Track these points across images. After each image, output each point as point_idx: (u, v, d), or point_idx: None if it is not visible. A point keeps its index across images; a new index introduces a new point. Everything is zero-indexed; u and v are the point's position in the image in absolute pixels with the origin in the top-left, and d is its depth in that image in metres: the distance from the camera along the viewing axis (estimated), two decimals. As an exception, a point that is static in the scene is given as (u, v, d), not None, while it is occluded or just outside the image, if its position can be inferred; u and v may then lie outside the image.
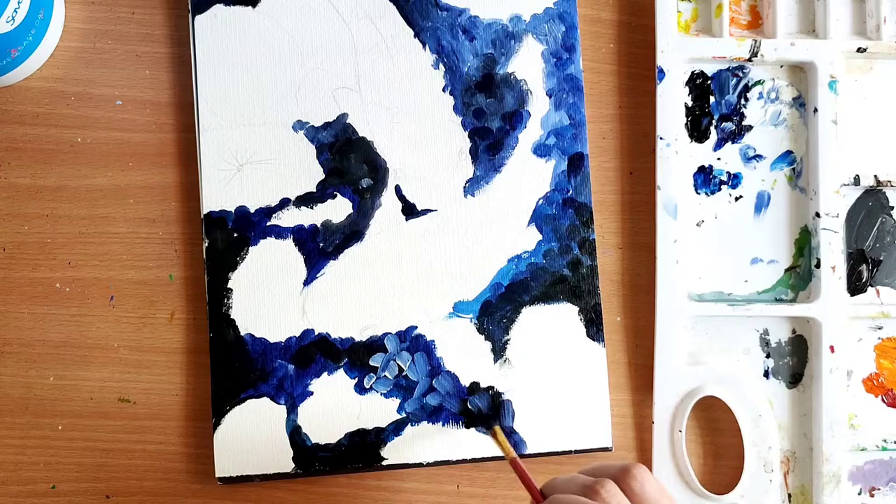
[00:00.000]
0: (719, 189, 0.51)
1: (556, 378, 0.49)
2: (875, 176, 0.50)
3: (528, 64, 0.51)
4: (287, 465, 0.48)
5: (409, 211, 0.50)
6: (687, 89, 0.51)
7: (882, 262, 0.51)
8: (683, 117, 0.51)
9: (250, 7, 0.50)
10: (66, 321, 0.49)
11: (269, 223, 0.49)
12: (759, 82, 0.51)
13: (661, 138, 0.50)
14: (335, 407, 0.48)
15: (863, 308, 0.50)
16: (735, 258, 0.51)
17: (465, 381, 0.49)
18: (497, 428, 0.47)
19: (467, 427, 0.49)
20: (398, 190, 0.50)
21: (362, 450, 0.48)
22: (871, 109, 0.51)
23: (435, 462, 0.48)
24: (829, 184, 0.50)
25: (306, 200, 0.49)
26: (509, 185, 0.50)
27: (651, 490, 0.37)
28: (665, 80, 0.50)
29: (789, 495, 0.50)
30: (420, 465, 0.48)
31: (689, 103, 0.51)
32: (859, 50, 0.50)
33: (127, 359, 0.49)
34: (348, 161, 0.50)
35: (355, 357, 0.49)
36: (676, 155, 0.50)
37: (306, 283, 0.49)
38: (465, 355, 0.49)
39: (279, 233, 0.49)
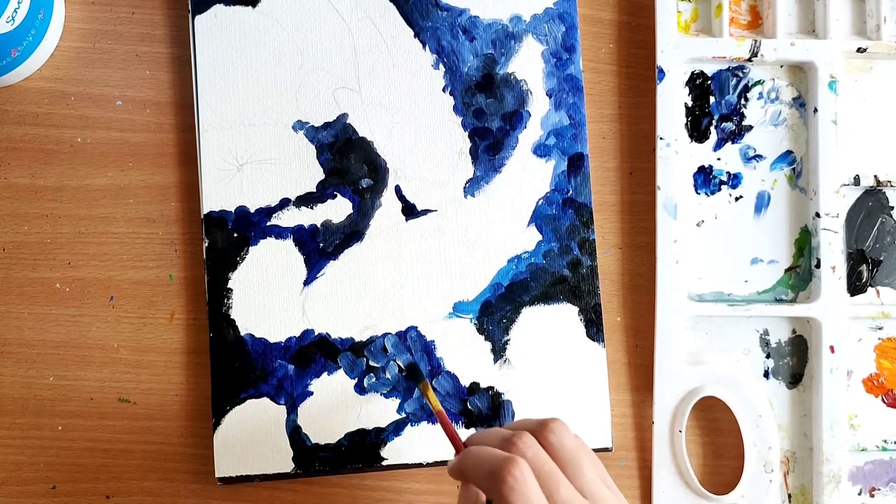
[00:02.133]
0: (719, 189, 0.51)
1: (556, 378, 0.49)
2: (875, 176, 0.50)
3: (528, 64, 0.51)
4: (287, 465, 0.48)
5: (409, 211, 0.50)
6: (687, 89, 0.51)
7: (882, 262, 0.51)
8: (683, 117, 0.51)
9: (250, 7, 0.50)
10: (66, 321, 0.49)
11: (269, 223, 0.49)
12: (759, 82, 0.51)
13: (661, 138, 0.50)
14: (335, 407, 0.48)
15: (863, 308, 0.50)
16: (735, 258, 0.51)
17: (465, 382, 0.49)
18: (426, 382, 0.46)
19: (468, 427, 0.49)
20: (398, 190, 0.50)
21: (362, 450, 0.48)
22: (871, 109, 0.51)
23: (435, 462, 0.48)
24: (829, 184, 0.50)
25: (306, 200, 0.49)
26: (509, 186, 0.50)
27: (568, 442, 0.37)
28: (665, 80, 0.50)
29: (789, 495, 0.50)
30: (420, 465, 0.48)
31: (689, 103, 0.51)
32: (859, 50, 0.50)
33: (127, 359, 0.49)
34: (348, 161, 0.50)
35: (355, 357, 0.49)
36: (676, 155, 0.50)
37: (306, 283, 0.49)
38: (464, 355, 0.49)
39: (279, 233, 0.49)
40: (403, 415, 0.49)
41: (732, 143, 0.51)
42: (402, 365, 0.49)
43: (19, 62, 0.48)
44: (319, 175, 0.50)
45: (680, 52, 0.50)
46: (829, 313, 0.49)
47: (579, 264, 0.50)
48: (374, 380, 0.49)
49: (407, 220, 0.50)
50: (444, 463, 0.48)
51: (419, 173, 0.50)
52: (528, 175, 0.50)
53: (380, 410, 0.48)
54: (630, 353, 0.50)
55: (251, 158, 0.49)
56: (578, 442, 0.38)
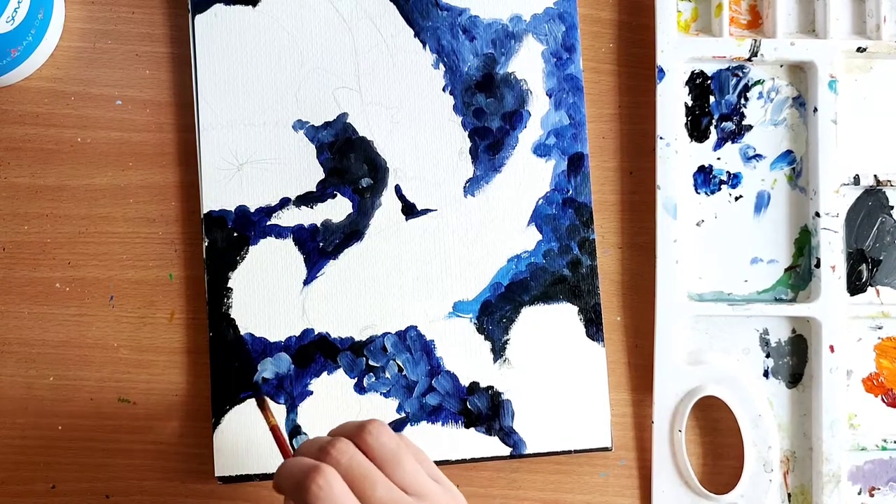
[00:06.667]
0: (719, 189, 0.51)
1: (555, 378, 0.49)
2: (875, 176, 0.50)
3: (528, 64, 0.50)
4: (287, 465, 0.48)
5: (409, 211, 0.50)
6: (687, 89, 0.51)
7: (882, 261, 0.51)
8: (683, 117, 0.51)
9: (250, 7, 0.50)
10: (66, 321, 0.49)
11: (269, 223, 0.49)
12: (758, 82, 0.51)
13: (661, 138, 0.50)
14: (335, 406, 0.48)
15: (863, 308, 0.50)
16: (735, 258, 0.51)
17: (465, 381, 0.49)
18: (264, 398, 0.46)
19: (467, 427, 0.49)
20: (398, 190, 0.50)
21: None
22: (871, 109, 0.51)
23: (434, 462, 0.48)
24: (829, 183, 0.50)
25: (306, 200, 0.49)
26: (509, 185, 0.50)
27: (387, 441, 0.37)
28: (665, 80, 0.50)
29: (789, 495, 0.50)
30: (420, 464, 0.48)
31: (689, 103, 0.51)
32: (859, 50, 0.50)
33: (127, 359, 0.49)
34: (348, 161, 0.50)
35: (355, 356, 0.49)
36: (676, 155, 0.50)
37: (306, 282, 0.49)
38: (464, 355, 0.49)
39: (279, 232, 0.49)
40: (403, 415, 0.49)
41: (732, 142, 0.51)
42: (400, 364, 0.49)
43: (19, 62, 0.48)
44: (319, 174, 0.50)
45: (680, 52, 0.50)
46: (829, 313, 0.49)
47: (579, 264, 0.50)
48: (373, 379, 0.49)
49: (407, 219, 0.50)
50: (444, 462, 0.48)
51: (419, 173, 0.50)
52: (528, 175, 0.50)
53: (379, 410, 0.48)
54: (630, 352, 0.50)
55: (251, 158, 0.49)
56: (398, 439, 0.38)
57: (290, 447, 0.41)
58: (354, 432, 0.37)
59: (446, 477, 0.39)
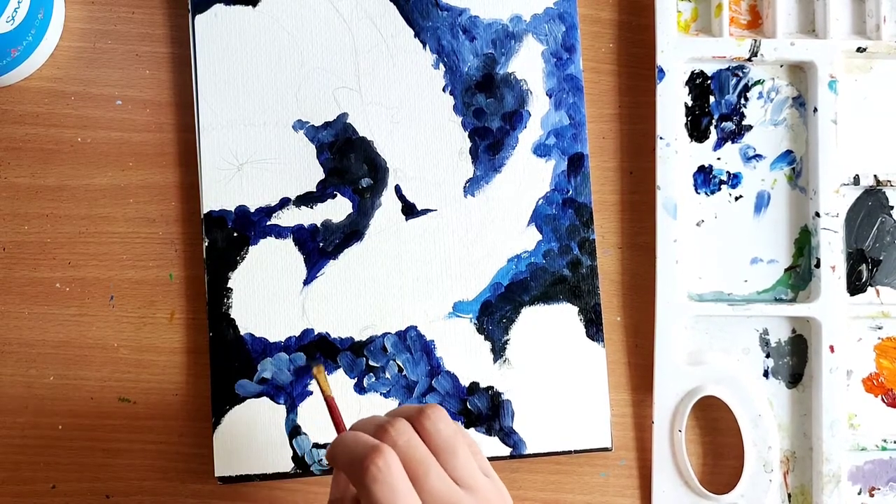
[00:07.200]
0: (719, 189, 0.51)
1: (555, 378, 0.49)
2: (875, 176, 0.50)
3: (528, 64, 0.51)
4: (287, 465, 0.48)
5: (409, 211, 0.50)
6: (687, 89, 0.51)
7: (882, 261, 0.51)
8: (683, 117, 0.51)
9: (250, 7, 0.50)
10: (66, 321, 0.49)
11: (269, 223, 0.49)
12: (758, 82, 0.51)
13: (660, 138, 0.50)
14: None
15: (863, 308, 0.50)
16: (735, 258, 0.51)
17: (465, 382, 0.49)
18: (320, 366, 0.45)
19: (467, 427, 0.49)
20: (398, 190, 0.50)
21: (362, 449, 0.48)
22: (871, 109, 0.51)
23: (435, 462, 0.48)
24: (829, 183, 0.50)
25: (306, 200, 0.49)
26: (509, 185, 0.50)
27: (444, 428, 0.36)
28: (665, 80, 0.50)
29: (789, 495, 0.50)
30: (420, 464, 0.48)
31: (689, 103, 0.51)
32: (859, 50, 0.50)
33: (127, 359, 0.49)
34: (348, 161, 0.50)
35: (355, 357, 0.49)
36: (676, 155, 0.50)
37: (306, 282, 0.49)
38: (464, 355, 0.49)
39: (279, 232, 0.49)
40: (403, 414, 0.49)
41: (732, 142, 0.51)
42: (400, 364, 0.49)
43: (19, 62, 0.48)
44: (319, 175, 0.50)
45: (680, 52, 0.50)
46: (829, 313, 0.49)
47: (579, 264, 0.50)
48: (373, 380, 0.49)
49: (407, 219, 0.50)
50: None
51: (419, 173, 0.50)
52: (528, 175, 0.50)
53: (379, 410, 0.48)
54: (630, 352, 0.50)
55: (251, 158, 0.49)
56: (456, 428, 0.37)
57: (343, 421, 0.41)
58: (413, 414, 0.37)
59: (496, 473, 0.39)
